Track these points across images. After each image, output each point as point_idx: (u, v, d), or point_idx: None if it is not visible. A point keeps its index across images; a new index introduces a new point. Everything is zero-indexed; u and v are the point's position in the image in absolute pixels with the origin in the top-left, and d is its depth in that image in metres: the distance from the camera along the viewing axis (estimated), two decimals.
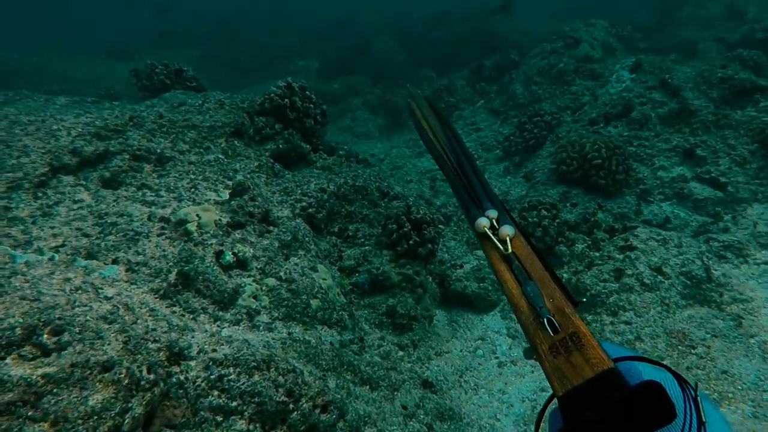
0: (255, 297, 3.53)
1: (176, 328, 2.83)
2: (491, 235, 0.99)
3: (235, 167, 4.88)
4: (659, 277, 4.18)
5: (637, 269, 4.19)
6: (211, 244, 3.62)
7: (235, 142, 5.11)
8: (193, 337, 2.84)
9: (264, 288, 3.59)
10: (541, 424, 0.85)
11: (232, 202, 4.03)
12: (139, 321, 2.69)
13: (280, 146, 5.30)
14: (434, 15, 19.77)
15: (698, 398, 0.72)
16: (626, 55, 8.97)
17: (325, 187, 4.88)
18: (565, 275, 4.71)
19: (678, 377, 0.76)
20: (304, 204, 4.65)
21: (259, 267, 3.71)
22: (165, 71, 6.15)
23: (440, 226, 4.67)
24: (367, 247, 4.69)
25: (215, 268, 3.47)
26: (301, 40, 21.20)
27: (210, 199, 4.26)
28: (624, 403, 0.69)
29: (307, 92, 5.57)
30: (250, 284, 3.53)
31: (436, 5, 20.49)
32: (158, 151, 4.62)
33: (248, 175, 4.84)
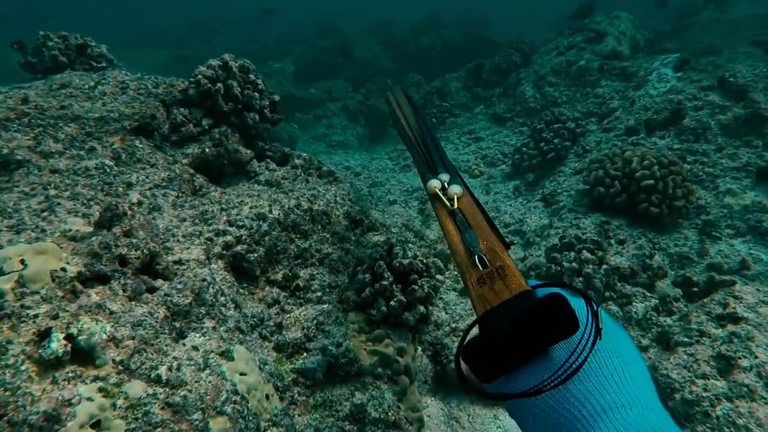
0: (95, 426, 1.90)
1: None
2: (441, 195, 1.06)
3: (129, 179, 3.29)
4: None
5: (757, 358, 2.63)
6: (35, 316, 2.02)
7: (137, 142, 3.53)
8: None
9: (119, 404, 1.98)
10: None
11: (94, 239, 2.41)
12: None
13: (206, 150, 3.73)
14: (423, 19, 18.57)
15: (598, 311, 0.75)
16: (654, 56, 7.49)
17: (266, 212, 3.31)
18: None
19: (586, 298, 0.78)
20: (228, 239, 3.07)
21: (118, 360, 2.11)
22: (61, 44, 4.53)
23: (438, 276, 3.08)
24: (325, 307, 3.11)
25: (24, 367, 1.89)
26: (278, 42, 19.76)
27: (69, 230, 2.66)
28: (530, 314, 0.73)
29: (251, 75, 4.01)
30: (88, 398, 1.91)
31: (426, 9, 19.27)
32: (4, 151, 3.01)
33: (148, 192, 3.24)
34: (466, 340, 0.78)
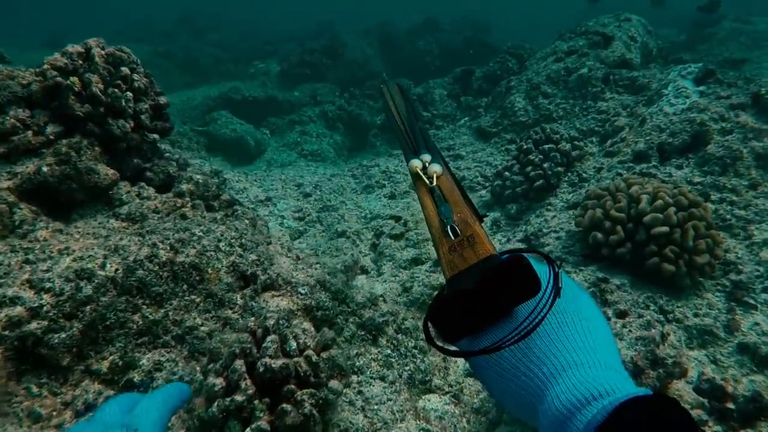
0: None
1: None
2: (421, 174, 1.10)
3: None
4: None
5: None
6: None
7: None
8: None
9: None
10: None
11: None
12: None
13: (44, 169, 2.69)
14: (422, 22, 17.61)
15: (559, 273, 0.78)
16: (669, 66, 6.42)
17: (95, 268, 2.23)
18: None
19: (549, 260, 0.81)
20: (17, 311, 2.06)
21: None
22: None
23: (333, 384, 1.99)
24: None
25: None
26: (265, 41, 18.75)
27: None
28: (493, 275, 0.76)
29: (124, 68, 2.98)
30: None
31: (427, 12, 18.32)
32: None
33: None
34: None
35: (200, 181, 3.17)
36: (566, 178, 4.87)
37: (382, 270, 4.28)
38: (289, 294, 2.76)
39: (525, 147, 4.98)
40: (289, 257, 3.08)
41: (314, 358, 2.04)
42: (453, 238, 0.89)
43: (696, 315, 3.36)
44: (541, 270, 0.78)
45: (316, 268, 3.05)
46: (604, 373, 0.64)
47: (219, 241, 2.71)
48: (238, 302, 2.63)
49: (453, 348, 0.80)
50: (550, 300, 0.73)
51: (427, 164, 1.11)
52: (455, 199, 1.00)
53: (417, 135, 1.26)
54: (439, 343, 0.79)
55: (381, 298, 3.11)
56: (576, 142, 4.95)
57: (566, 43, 6.78)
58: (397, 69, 14.67)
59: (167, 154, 3.45)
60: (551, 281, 0.75)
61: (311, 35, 18.62)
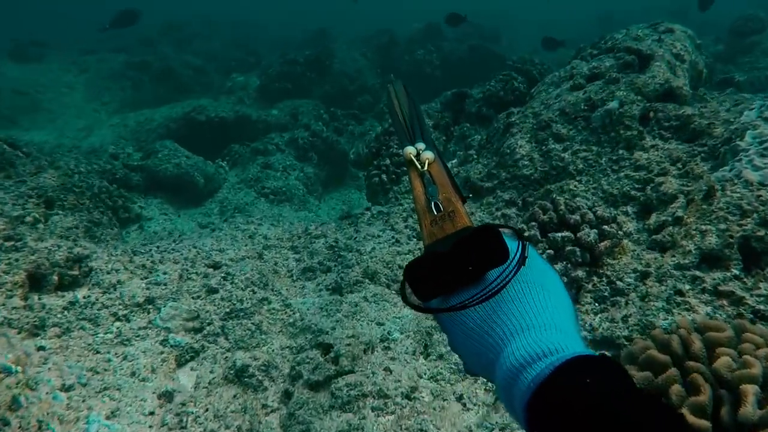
0: None
1: None
2: (414, 160, 1.23)
3: None
4: None
5: None
6: None
7: None
8: None
9: None
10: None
11: None
12: None
13: None
14: (423, 29, 16.16)
15: (526, 245, 0.86)
16: (739, 98, 4.70)
17: None
18: None
19: (519, 234, 0.90)
20: None
21: None
22: None
23: None
24: None
25: None
26: (249, 50, 17.26)
27: None
28: (466, 241, 0.85)
29: None
30: None
31: (429, 18, 16.96)
32: None
33: None
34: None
35: None
36: (590, 286, 3.15)
37: None
38: None
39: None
40: None
41: None
42: (436, 213, 1.04)
43: None
44: (513, 245, 0.87)
45: None
46: (556, 335, 0.72)
47: None
48: None
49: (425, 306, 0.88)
50: (515, 267, 0.82)
51: (420, 151, 1.28)
52: (442, 182, 1.16)
53: (415, 126, 1.43)
54: (412, 301, 0.86)
55: None
56: (605, 226, 3.22)
57: (587, 64, 4.97)
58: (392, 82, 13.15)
59: None
60: (519, 251, 0.84)
61: (303, 44, 17.15)
